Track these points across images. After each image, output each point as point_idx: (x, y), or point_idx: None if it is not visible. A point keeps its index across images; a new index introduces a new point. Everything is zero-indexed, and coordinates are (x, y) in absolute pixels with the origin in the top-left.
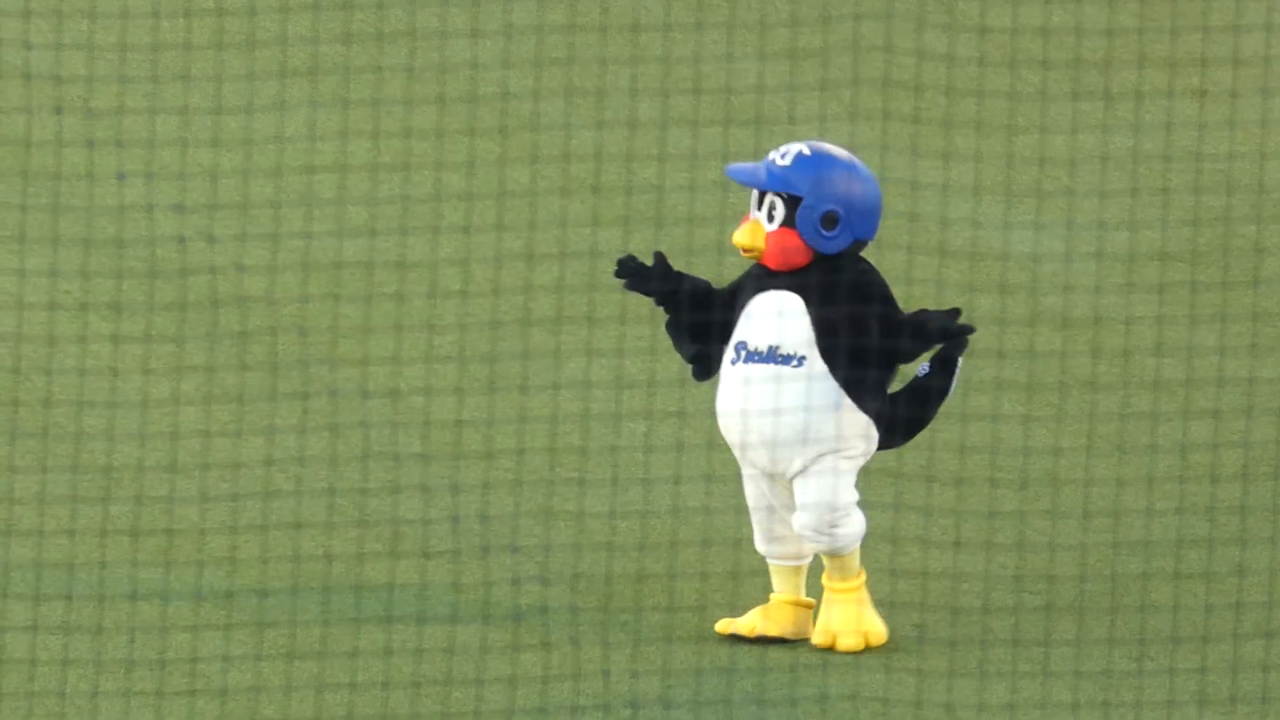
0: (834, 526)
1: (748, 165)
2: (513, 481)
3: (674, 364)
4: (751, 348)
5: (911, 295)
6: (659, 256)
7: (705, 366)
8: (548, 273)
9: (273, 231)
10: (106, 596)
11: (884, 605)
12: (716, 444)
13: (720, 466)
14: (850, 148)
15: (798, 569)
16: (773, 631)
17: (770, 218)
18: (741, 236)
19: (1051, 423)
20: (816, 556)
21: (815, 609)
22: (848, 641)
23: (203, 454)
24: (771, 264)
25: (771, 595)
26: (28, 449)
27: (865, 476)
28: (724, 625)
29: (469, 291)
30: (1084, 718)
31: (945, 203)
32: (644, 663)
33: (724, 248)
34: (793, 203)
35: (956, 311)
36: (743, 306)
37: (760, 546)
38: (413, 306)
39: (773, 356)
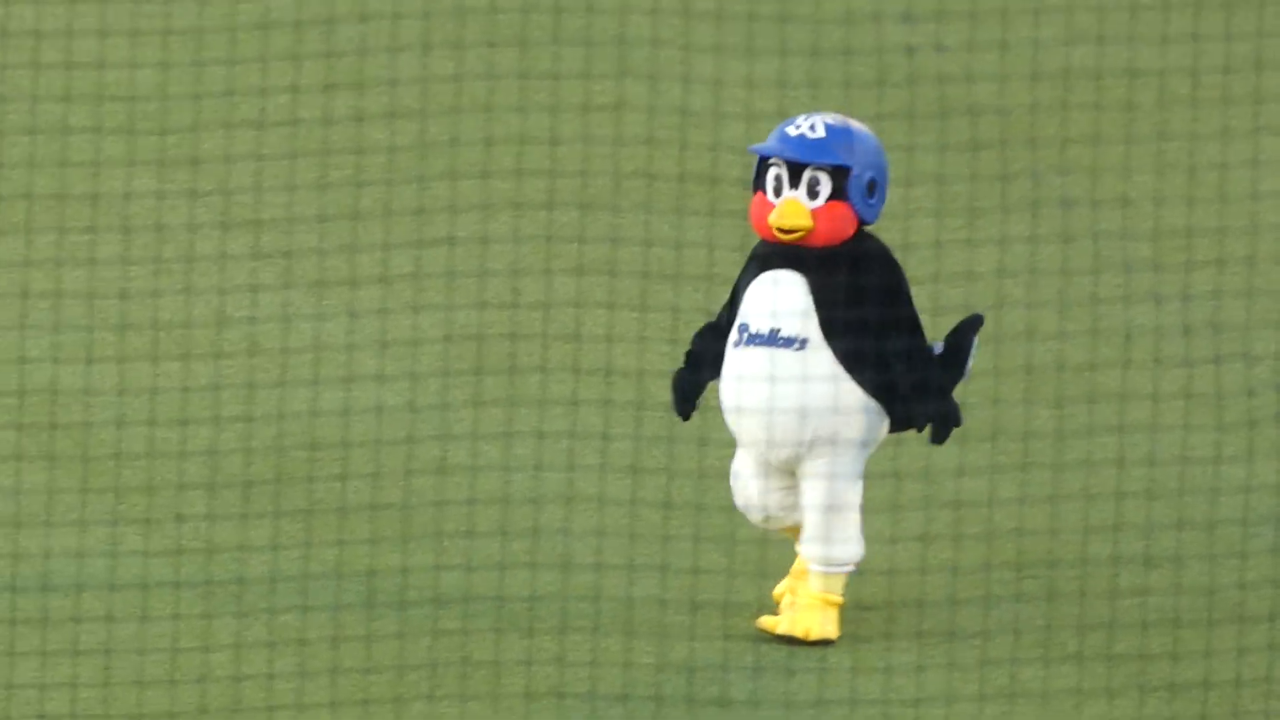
0: (832, 528)
1: (775, 143)
2: (1246, 290)
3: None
4: (754, 330)
5: None
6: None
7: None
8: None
9: (1001, 39)
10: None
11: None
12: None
13: None
14: None
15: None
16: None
17: (813, 194)
18: (785, 218)
19: None
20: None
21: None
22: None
23: (934, 262)
24: (820, 240)
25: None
26: None
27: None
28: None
29: (1199, 99)
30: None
31: None
32: None
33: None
34: (840, 174)
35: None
36: (746, 287)
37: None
38: (1140, 114)
39: (774, 339)
